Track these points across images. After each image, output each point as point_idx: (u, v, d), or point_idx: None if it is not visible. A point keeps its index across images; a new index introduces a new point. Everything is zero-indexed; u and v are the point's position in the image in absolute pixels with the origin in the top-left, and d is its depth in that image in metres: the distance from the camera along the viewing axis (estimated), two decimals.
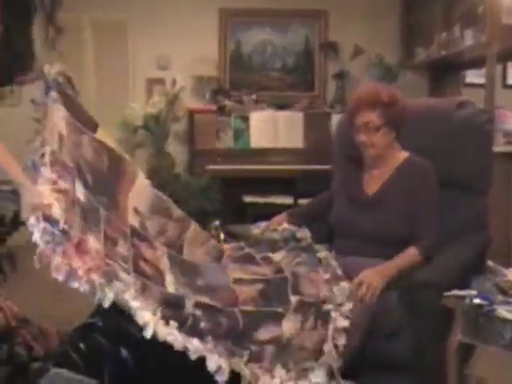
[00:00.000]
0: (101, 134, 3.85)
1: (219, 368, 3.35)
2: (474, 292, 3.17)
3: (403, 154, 4.12)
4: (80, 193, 3.51)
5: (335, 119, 6.92)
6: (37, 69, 3.76)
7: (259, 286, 3.81)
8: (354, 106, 4.09)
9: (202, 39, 9.01)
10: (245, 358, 3.44)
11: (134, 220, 3.80)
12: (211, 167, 7.83)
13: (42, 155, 3.37)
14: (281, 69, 9.38)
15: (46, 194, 3.22)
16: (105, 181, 3.78)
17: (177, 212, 4.04)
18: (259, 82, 9.28)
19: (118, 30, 8.73)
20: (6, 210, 5.40)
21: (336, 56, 9.20)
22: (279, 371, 3.46)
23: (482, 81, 6.23)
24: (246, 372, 3.40)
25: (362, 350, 3.70)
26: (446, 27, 7.81)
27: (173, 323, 3.35)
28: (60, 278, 3.15)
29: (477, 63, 6.93)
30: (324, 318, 3.59)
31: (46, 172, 3.32)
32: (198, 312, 3.53)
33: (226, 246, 4.17)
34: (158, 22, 8.83)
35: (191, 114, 8.47)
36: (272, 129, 7.51)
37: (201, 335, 3.41)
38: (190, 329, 3.43)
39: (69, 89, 3.78)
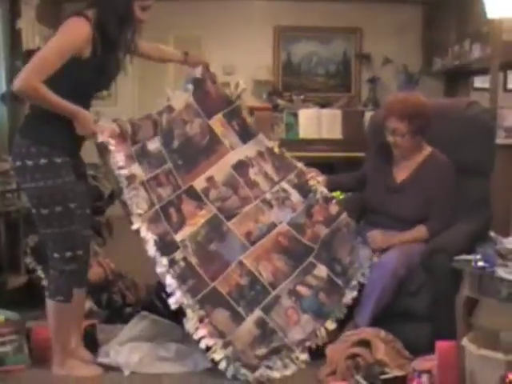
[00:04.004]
0: (214, 123, 4.17)
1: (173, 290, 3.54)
2: (478, 257, 3.16)
3: (427, 150, 4.10)
4: (153, 144, 3.87)
5: (368, 116, 6.88)
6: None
7: (246, 280, 3.79)
8: (385, 112, 4.07)
9: (260, 50, 9.05)
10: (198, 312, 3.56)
11: (199, 184, 3.97)
12: None
13: None
14: (324, 74, 9.38)
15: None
16: (194, 151, 4.04)
17: (245, 191, 4.08)
18: (306, 85, 9.29)
19: (194, 43, 8.72)
20: (105, 188, 5.45)
21: (369, 64, 9.18)
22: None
23: (487, 85, 6.14)
24: (195, 313, 3.54)
25: (391, 304, 3.74)
26: (458, 42, 7.74)
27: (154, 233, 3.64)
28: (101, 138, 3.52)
29: (483, 71, 6.85)
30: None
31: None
32: (182, 263, 3.66)
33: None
34: (225, 37, 8.88)
35: (251, 110, 8.39)
36: (316, 123, 7.45)
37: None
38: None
39: (206, 83, 4.20)
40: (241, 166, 4.16)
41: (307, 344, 3.73)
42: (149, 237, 3.62)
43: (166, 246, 3.67)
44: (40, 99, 3.31)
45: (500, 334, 3.20)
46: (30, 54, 6.14)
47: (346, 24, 9.17)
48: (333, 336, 3.74)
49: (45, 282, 3.89)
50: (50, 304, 3.54)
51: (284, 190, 4.16)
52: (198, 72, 4.17)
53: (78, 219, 3.50)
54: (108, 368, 3.67)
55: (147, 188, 3.74)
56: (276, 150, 4.32)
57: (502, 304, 3.04)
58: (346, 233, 3.99)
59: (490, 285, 3.07)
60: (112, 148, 3.58)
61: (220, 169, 4.09)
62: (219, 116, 4.22)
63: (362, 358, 3.37)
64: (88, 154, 3.77)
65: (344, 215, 4.06)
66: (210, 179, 4.02)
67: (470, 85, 8.22)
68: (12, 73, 6.63)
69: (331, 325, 3.79)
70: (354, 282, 3.89)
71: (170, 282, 3.56)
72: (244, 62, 8.90)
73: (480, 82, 7.76)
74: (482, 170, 4.22)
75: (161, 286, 3.80)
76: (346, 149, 7.09)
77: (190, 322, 3.53)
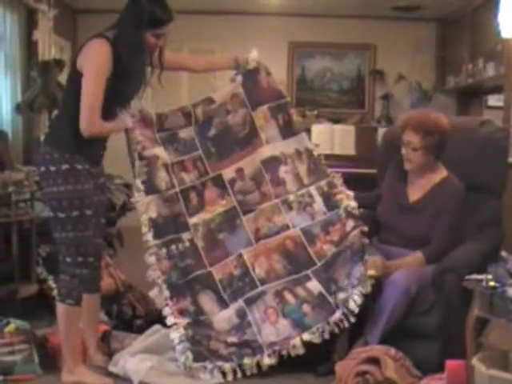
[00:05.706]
0: (256, 115, 4.25)
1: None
2: (489, 276, 3.15)
3: (442, 173, 4.05)
4: (185, 131, 4.11)
5: (381, 132, 6.87)
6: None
7: (238, 271, 3.95)
8: (403, 124, 4.05)
9: (274, 65, 8.80)
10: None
11: (228, 173, 4.15)
12: None
13: None
14: (337, 90, 9.40)
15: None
16: (230, 141, 4.20)
17: (268, 188, 4.16)
18: (319, 101, 9.31)
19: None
20: (117, 200, 5.48)
21: (382, 81, 9.18)
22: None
23: (500, 104, 6.15)
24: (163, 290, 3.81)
25: (402, 323, 3.73)
26: (472, 60, 7.77)
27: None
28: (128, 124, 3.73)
29: (496, 89, 6.86)
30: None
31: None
32: (187, 243, 3.94)
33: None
34: (240, 51, 8.76)
35: None
36: (329, 139, 7.42)
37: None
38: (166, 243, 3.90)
39: (260, 73, 4.39)
40: (271, 162, 4.21)
41: (277, 348, 3.71)
42: (143, 210, 3.87)
43: (177, 225, 3.94)
44: (103, 133, 3.60)
45: (510, 354, 3.19)
46: (45, 64, 6.18)
47: (359, 40, 9.19)
48: (342, 353, 3.71)
49: (56, 292, 3.92)
50: (60, 307, 3.61)
51: (310, 196, 4.17)
52: (252, 63, 4.37)
53: (92, 226, 3.63)
54: (117, 378, 3.65)
55: (169, 171, 3.98)
56: (315, 153, 4.32)
57: None
58: (349, 254, 3.87)
59: (501, 305, 3.05)
60: (129, 125, 3.75)
61: (251, 162, 4.18)
62: (264, 108, 4.28)
63: (372, 375, 3.36)
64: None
65: (356, 232, 3.92)
66: (239, 171, 4.15)
67: (484, 103, 8.21)
68: (27, 83, 6.66)
69: (308, 336, 3.71)
70: (342, 297, 3.75)
71: (149, 259, 3.85)
72: None
73: (494, 100, 7.75)
74: (495, 189, 4.21)
75: None
76: (359, 165, 7.08)
77: (159, 298, 3.82)
